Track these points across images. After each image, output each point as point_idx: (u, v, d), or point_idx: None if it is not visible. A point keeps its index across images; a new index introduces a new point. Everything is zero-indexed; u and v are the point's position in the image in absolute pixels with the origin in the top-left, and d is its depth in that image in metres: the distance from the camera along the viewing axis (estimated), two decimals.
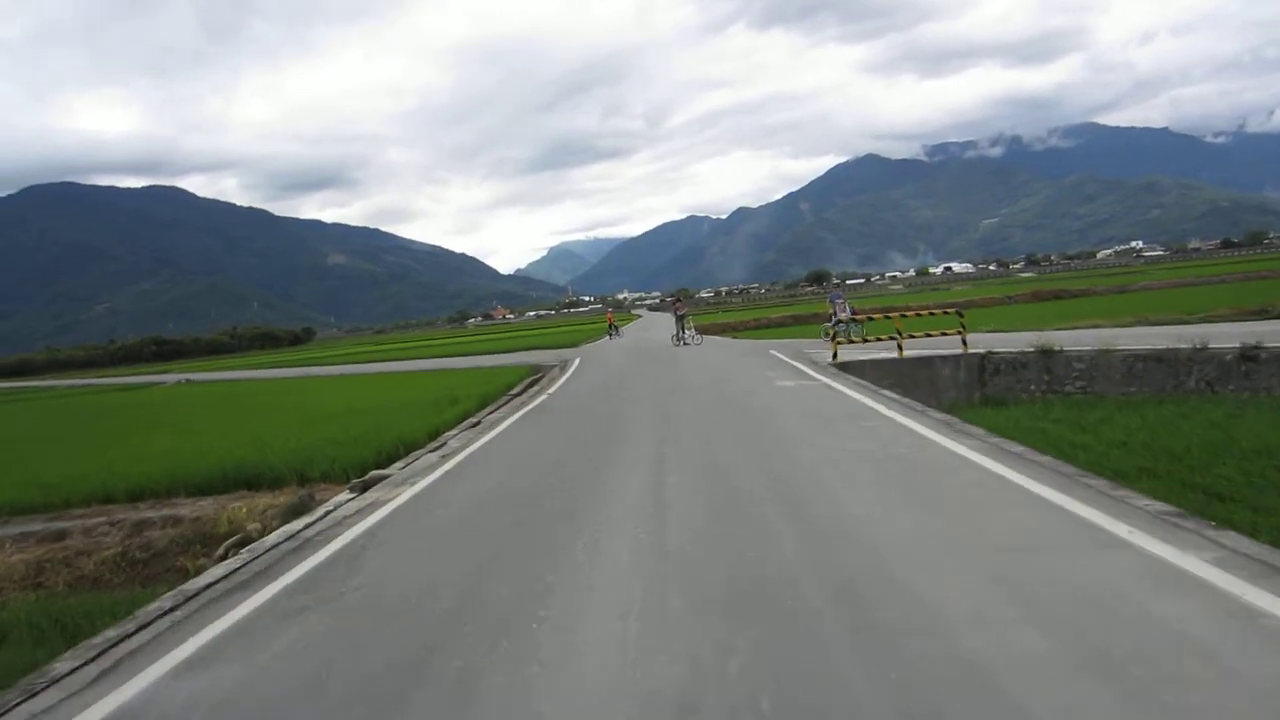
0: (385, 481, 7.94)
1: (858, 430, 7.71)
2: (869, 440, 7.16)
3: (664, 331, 35.38)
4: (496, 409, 13.16)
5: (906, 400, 9.90)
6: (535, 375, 19.21)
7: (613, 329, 39.79)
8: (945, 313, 17.27)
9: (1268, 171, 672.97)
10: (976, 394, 15.49)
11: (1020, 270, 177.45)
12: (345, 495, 7.96)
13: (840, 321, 17.19)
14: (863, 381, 12.12)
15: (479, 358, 31.31)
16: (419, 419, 12.17)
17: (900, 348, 15.58)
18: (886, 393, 10.70)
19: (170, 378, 47.25)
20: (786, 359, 16.68)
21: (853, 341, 16.67)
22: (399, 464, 8.95)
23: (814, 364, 15.36)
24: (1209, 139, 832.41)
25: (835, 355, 15.53)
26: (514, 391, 16.16)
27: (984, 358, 15.37)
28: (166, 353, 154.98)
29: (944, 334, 16.30)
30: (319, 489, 8.54)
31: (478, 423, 11.32)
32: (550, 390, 15.01)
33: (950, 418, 8.17)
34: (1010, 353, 15.17)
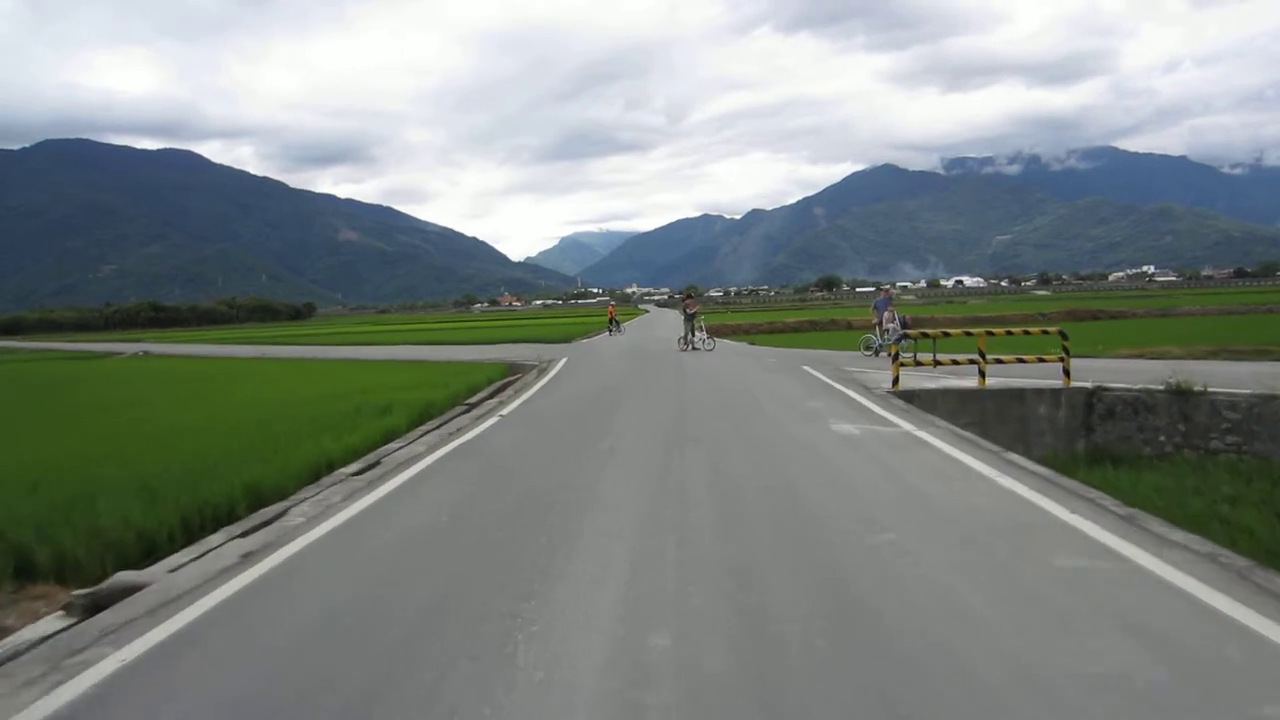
0: (115, 608, 4.14)
1: (1061, 586, 3.71)
2: (1125, 649, 3.20)
3: (670, 331, 31.49)
4: (428, 432, 9.36)
5: (1068, 481, 6.01)
6: (506, 379, 15.42)
7: (613, 324, 35.39)
8: (1045, 333, 13.39)
9: None
10: (1080, 442, 11.68)
11: (1033, 288, 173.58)
12: (45, 625, 4.17)
13: (904, 335, 13.32)
14: (963, 433, 8.22)
15: (462, 348, 28.33)
16: (317, 442, 8.38)
17: (983, 375, 11.75)
18: (1018, 459, 6.80)
19: (130, 348, 43.53)
20: (828, 380, 12.85)
21: (920, 363, 12.85)
22: (186, 552, 5.13)
23: (867, 390, 11.52)
24: (1226, 169, 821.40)
25: (896, 381, 11.68)
26: (471, 400, 12.39)
27: (1091, 395, 11.57)
28: (162, 319, 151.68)
29: (1041, 360, 12.45)
30: (31, 593, 4.74)
31: (377, 463, 7.49)
32: (512, 406, 11.19)
33: (1216, 548, 4.24)
34: (1128, 390, 11.33)
